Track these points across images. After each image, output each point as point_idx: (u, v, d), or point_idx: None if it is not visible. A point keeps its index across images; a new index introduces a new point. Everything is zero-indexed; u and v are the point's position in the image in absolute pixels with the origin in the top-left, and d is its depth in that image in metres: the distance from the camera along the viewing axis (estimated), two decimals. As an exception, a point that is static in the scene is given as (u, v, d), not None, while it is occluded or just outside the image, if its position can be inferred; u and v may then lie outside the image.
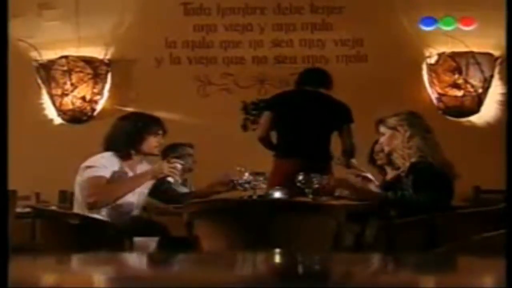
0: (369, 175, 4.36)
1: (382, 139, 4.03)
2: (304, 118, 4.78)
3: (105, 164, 3.71)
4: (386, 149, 4.03)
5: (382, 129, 4.01)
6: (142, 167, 3.85)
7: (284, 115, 4.82)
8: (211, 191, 4.07)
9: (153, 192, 3.94)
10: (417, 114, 4.02)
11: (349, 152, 4.76)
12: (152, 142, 3.83)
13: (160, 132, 3.87)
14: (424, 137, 3.85)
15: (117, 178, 3.72)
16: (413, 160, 3.81)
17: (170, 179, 3.72)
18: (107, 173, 3.69)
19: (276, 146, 4.83)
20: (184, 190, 4.87)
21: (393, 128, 3.94)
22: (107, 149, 3.81)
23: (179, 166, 3.74)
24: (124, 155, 3.80)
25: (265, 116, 4.89)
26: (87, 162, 3.73)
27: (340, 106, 4.89)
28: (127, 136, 3.81)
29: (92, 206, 3.65)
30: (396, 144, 3.91)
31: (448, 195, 3.78)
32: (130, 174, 3.80)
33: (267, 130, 4.86)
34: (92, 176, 3.67)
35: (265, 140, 4.85)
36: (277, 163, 4.69)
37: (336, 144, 4.82)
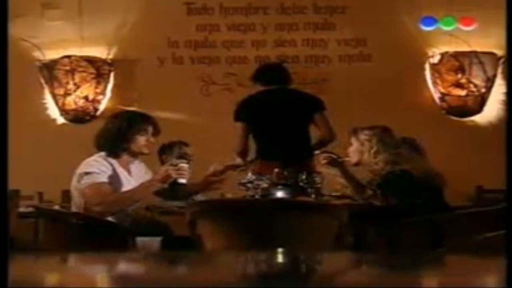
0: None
1: (350, 149, 4.08)
2: (277, 118, 4.70)
3: (102, 168, 3.68)
4: (352, 161, 4.07)
5: (353, 139, 4.06)
6: (134, 166, 3.83)
7: (257, 121, 4.73)
8: (207, 183, 4.07)
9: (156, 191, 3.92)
10: (389, 131, 4.05)
11: (328, 141, 4.70)
12: (140, 141, 3.77)
13: (149, 130, 3.80)
14: (391, 153, 3.90)
15: (114, 181, 3.70)
16: (384, 171, 3.85)
17: (181, 180, 3.68)
18: (106, 179, 3.67)
19: (257, 150, 4.76)
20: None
21: (361, 143, 3.99)
22: (98, 148, 3.79)
23: (185, 166, 3.69)
24: (114, 155, 3.77)
25: (239, 129, 4.74)
26: (84, 168, 3.70)
27: (309, 97, 4.85)
28: (114, 135, 3.77)
29: (101, 215, 3.65)
30: (364, 159, 3.97)
31: (433, 200, 3.81)
32: (125, 174, 3.78)
33: (244, 143, 4.73)
34: (94, 182, 3.64)
35: (243, 154, 4.71)
36: (261, 165, 4.55)
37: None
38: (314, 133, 4.76)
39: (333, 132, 4.71)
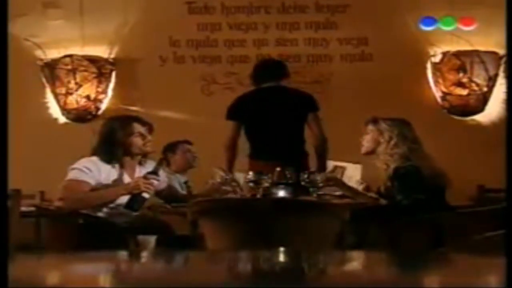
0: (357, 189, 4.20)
1: (365, 137, 4.04)
2: (270, 117, 4.69)
3: (90, 167, 3.70)
4: (364, 149, 4.04)
5: (370, 128, 4.02)
6: (143, 170, 3.84)
7: (249, 120, 4.74)
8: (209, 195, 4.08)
9: (156, 193, 3.93)
10: (409, 124, 4.02)
11: (321, 147, 4.63)
12: (137, 142, 3.81)
13: (141, 129, 3.83)
14: (410, 147, 3.88)
15: (104, 183, 3.73)
16: (396, 165, 3.83)
17: (145, 194, 3.71)
18: (88, 178, 3.67)
19: (250, 149, 4.76)
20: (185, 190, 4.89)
21: (380, 132, 3.95)
22: (97, 156, 3.79)
23: (155, 182, 3.73)
24: (116, 161, 3.79)
25: (229, 128, 4.77)
26: (74, 164, 3.74)
27: (302, 95, 4.80)
28: (109, 144, 3.79)
29: (61, 210, 3.67)
30: (379, 150, 3.93)
31: (436, 199, 3.81)
32: (128, 180, 3.78)
33: (233, 139, 4.75)
34: (72, 178, 3.68)
35: (230, 150, 4.74)
36: (252, 164, 4.57)
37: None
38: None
39: (323, 134, 4.67)
